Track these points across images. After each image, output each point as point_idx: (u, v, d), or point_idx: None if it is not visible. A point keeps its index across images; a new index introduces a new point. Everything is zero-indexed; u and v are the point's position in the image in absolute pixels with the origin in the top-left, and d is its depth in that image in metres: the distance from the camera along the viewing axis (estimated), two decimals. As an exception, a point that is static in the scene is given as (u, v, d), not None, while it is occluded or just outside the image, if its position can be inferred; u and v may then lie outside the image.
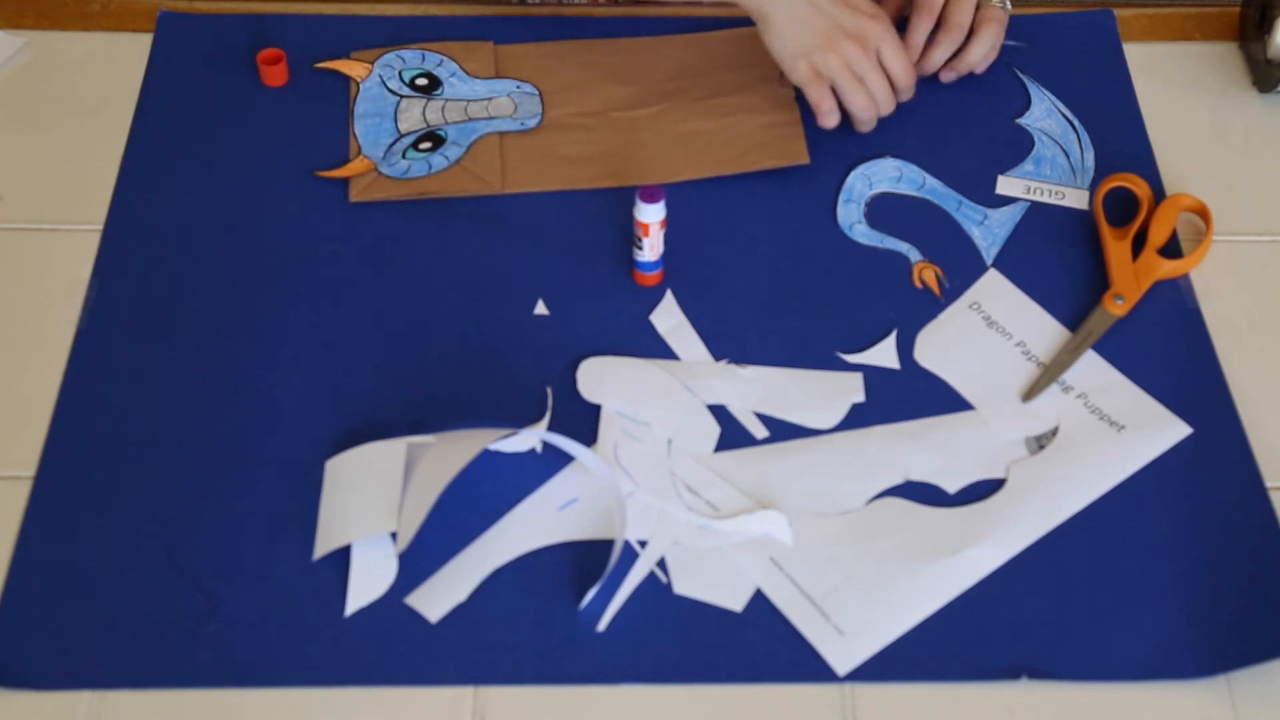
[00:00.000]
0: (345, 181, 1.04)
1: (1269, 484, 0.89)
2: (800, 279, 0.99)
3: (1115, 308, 0.97)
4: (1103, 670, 0.81)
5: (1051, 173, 1.07)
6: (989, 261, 1.01)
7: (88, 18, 1.16)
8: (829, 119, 1.04)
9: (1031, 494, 0.88)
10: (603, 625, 0.82)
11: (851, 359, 0.95)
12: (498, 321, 0.96)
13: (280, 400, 0.92)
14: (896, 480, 0.89)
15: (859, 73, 1.02)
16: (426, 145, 1.05)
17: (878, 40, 1.02)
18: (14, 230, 1.02)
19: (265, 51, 1.10)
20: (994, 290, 0.99)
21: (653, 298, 0.98)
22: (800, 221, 1.03)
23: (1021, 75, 1.13)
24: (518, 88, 1.10)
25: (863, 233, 1.02)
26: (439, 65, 1.11)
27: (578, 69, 1.11)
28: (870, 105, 1.03)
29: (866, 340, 0.96)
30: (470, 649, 0.81)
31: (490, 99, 1.09)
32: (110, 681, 0.80)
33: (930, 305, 0.98)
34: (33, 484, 0.88)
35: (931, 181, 1.06)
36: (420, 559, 0.84)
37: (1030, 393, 0.93)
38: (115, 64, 1.12)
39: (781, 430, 0.91)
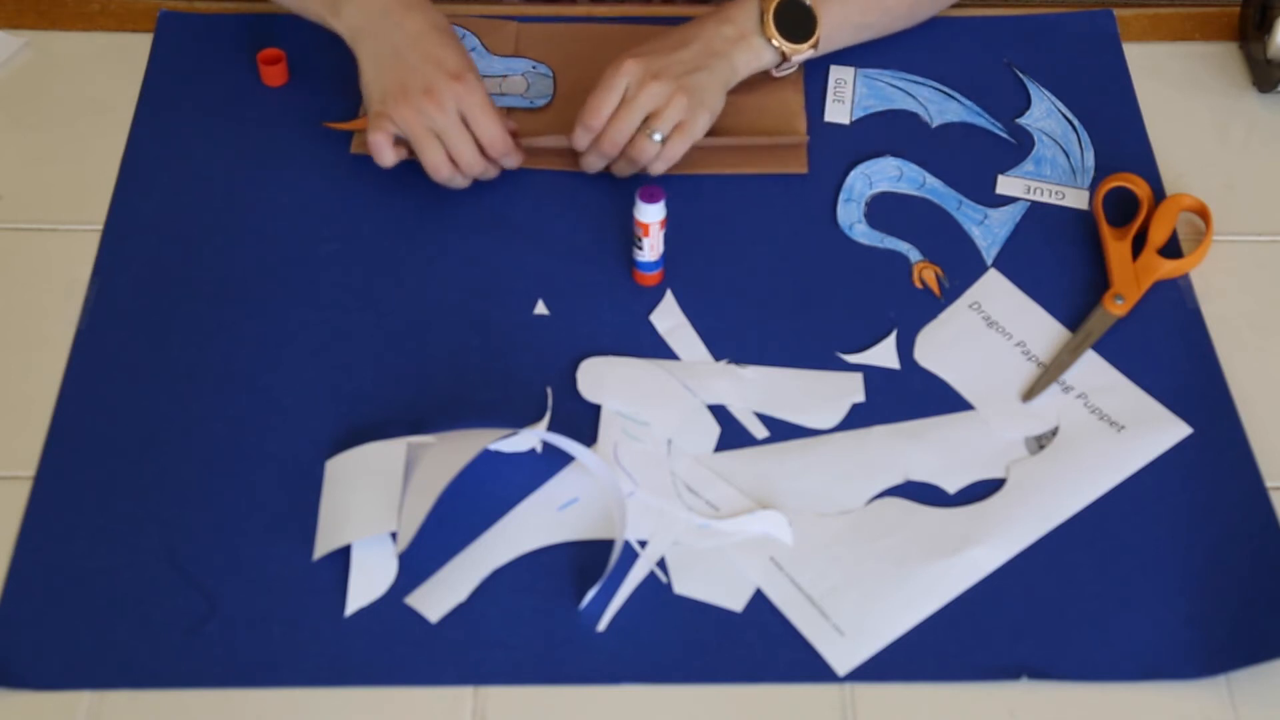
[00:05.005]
0: (343, 179, 1.04)
1: (1269, 484, 0.89)
2: (800, 279, 0.99)
3: (1115, 308, 0.97)
4: (1103, 670, 0.81)
5: (1051, 173, 1.07)
6: (989, 261, 1.01)
7: (88, 18, 1.16)
8: (378, 154, 0.98)
9: (1031, 494, 0.88)
10: (603, 625, 0.82)
11: (851, 359, 0.95)
12: (498, 321, 0.96)
13: (280, 400, 0.92)
14: (896, 480, 0.89)
15: (437, 129, 0.97)
16: None
17: (457, 100, 0.96)
18: (14, 230, 1.02)
19: (265, 51, 1.10)
20: (994, 290, 0.99)
21: (653, 298, 0.98)
22: (800, 221, 1.03)
23: (1021, 75, 1.13)
24: (533, 68, 1.10)
25: (863, 232, 1.02)
26: (461, 39, 1.11)
27: (597, 54, 1.11)
28: (444, 163, 0.98)
29: (866, 340, 0.96)
30: (470, 649, 0.81)
31: (505, 76, 1.10)
32: (110, 681, 0.80)
33: (930, 305, 0.98)
34: (33, 484, 0.88)
35: (931, 181, 1.06)
36: (420, 559, 0.84)
37: (1030, 393, 0.93)
38: (115, 64, 1.12)
39: (781, 430, 0.91)
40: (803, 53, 1.05)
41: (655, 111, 0.99)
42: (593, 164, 1.03)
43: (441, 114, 0.97)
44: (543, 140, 1.04)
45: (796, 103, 1.09)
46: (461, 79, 0.97)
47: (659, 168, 1.02)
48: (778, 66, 1.06)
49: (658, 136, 0.99)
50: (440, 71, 0.97)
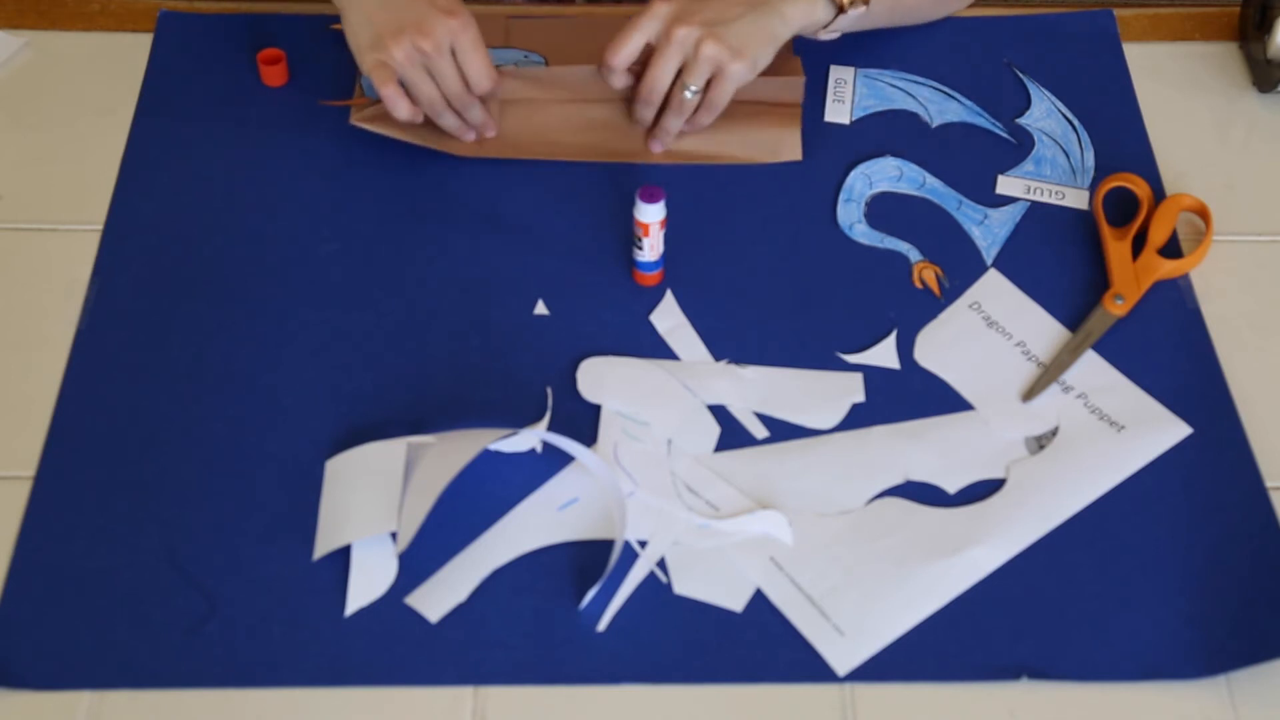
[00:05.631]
0: (344, 178, 1.04)
1: (1269, 484, 0.89)
2: (800, 279, 0.99)
3: (1115, 308, 0.97)
4: (1103, 670, 0.81)
5: (1051, 173, 1.07)
6: (989, 261, 1.01)
7: (88, 18, 1.16)
8: (394, 106, 0.98)
9: (1031, 494, 0.88)
10: (603, 625, 0.82)
11: (851, 359, 0.95)
12: (498, 321, 0.96)
13: (280, 400, 0.92)
14: (896, 480, 0.89)
15: (430, 67, 0.98)
16: None
17: (450, 36, 0.97)
18: (14, 230, 1.02)
19: (265, 51, 1.10)
20: (994, 290, 0.99)
21: (653, 298, 0.98)
22: (800, 221, 1.03)
23: (1021, 75, 1.13)
24: (525, 57, 1.11)
25: (863, 233, 1.02)
26: None
27: (588, 42, 1.11)
28: (438, 99, 1.00)
29: (866, 340, 0.96)
30: (470, 649, 0.81)
31: (497, 66, 1.10)
32: (110, 681, 0.80)
33: (930, 305, 0.98)
34: (33, 484, 0.88)
35: (931, 181, 1.06)
36: (420, 559, 0.84)
37: (1030, 393, 0.93)
38: (115, 64, 1.12)
39: (781, 430, 0.91)
40: (857, 7, 1.04)
41: (686, 62, 1.00)
42: (643, 115, 1.03)
43: (436, 50, 0.97)
44: (547, 71, 1.06)
45: (793, 91, 1.08)
46: (455, 14, 0.98)
47: (704, 119, 1.03)
48: (827, 25, 1.05)
49: (689, 93, 1.00)
50: (433, 8, 0.97)
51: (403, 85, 0.98)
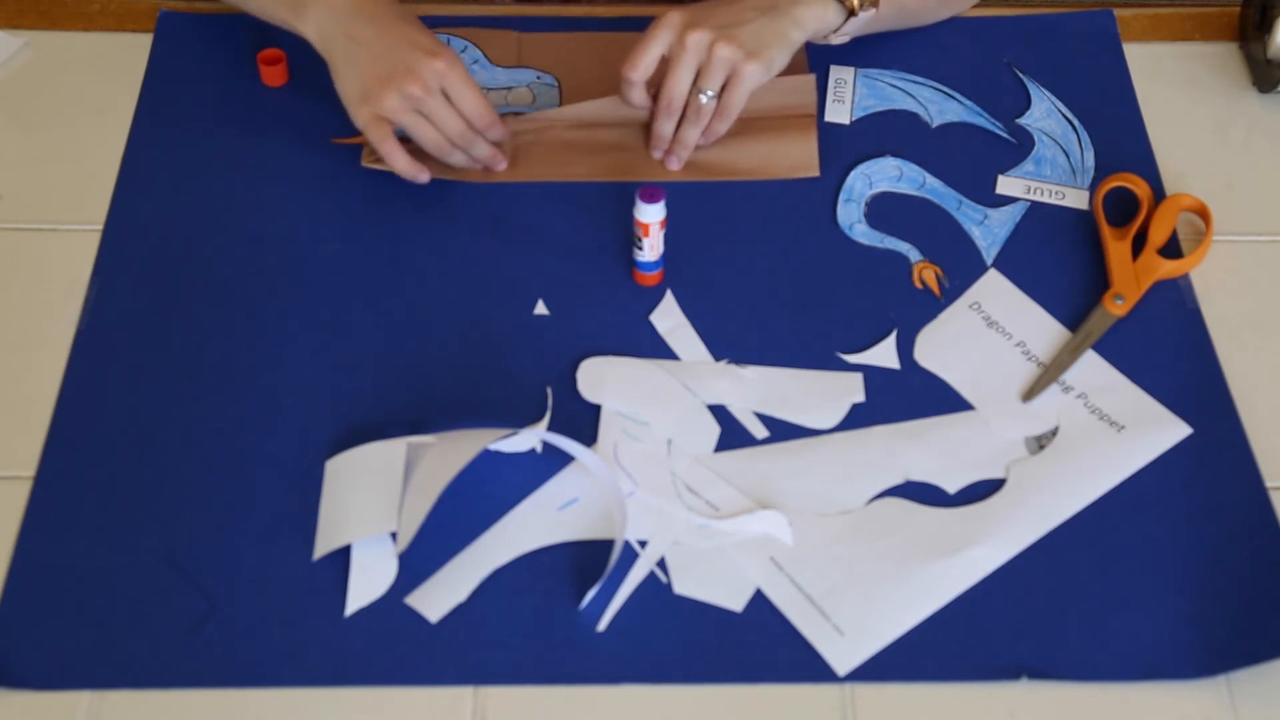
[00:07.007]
0: (343, 179, 1.04)
1: (1269, 484, 0.89)
2: (800, 279, 0.99)
3: (1115, 308, 0.97)
4: (1103, 670, 0.81)
5: (1051, 173, 1.07)
6: (989, 261, 1.01)
7: (88, 18, 1.16)
8: (393, 162, 0.99)
9: (1031, 494, 0.88)
10: (603, 625, 0.82)
11: (851, 359, 0.95)
12: (498, 321, 0.96)
13: (280, 400, 0.92)
14: (896, 480, 0.89)
15: (425, 111, 0.98)
16: None
17: (439, 78, 0.97)
18: (14, 230, 1.02)
19: (265, 51, 1.10)
20: (994, 290, 0.99)
21: (653, 298, 0.98)
22: (800, 221, 1.03)
23: (1021, 75, 1.13)
24: (538, 78, 1.10)
25: (863, 233, 1.02)
26: (463, 51, 1.12)
27: (600, 62, 1.11)
28: (441, 142, 0.99)
29: (866, 340, 0.96)
30: (470, 649, 0.81)
31: (510, 89, 1.10)
32: (110, 681, 0.80)
33: (930, 305, 0.98)
34: (33, 484, 0.88)
35: (931, 181, 1.06)
36: (420, 559, 0.84)
37: (1030, 393, 0.93)
38: (115, 64, 1.12)
39: (781, 430, 0.91)
40: (867, 9, 1.04)
41: (700, 68, 1.00)
42: (663, 129, 1.03)
43: (427, 93, 0.97)
44: (565, 111, 1.05)
45: (807, 106, 1.08)
46: (440, 56, 0.97)
47: (720, 126, 1.03)
48: (838, 29, 1.05)
49: (704, 96, 1.00)
50: (417, 51, 0.97)
51: (405, 133, 0.98)
